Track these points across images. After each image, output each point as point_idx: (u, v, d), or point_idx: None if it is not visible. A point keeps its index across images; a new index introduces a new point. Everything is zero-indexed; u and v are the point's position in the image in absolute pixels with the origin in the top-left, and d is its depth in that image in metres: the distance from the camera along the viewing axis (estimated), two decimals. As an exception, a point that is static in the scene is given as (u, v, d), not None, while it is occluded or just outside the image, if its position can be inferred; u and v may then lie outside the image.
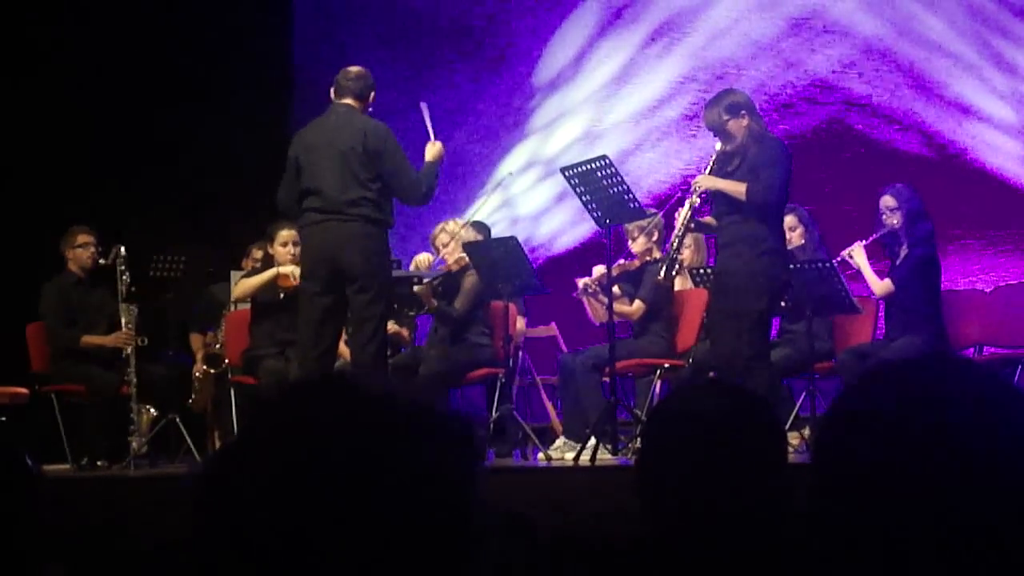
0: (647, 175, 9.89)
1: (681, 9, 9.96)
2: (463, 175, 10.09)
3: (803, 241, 7.63)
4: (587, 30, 10.18)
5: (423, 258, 8.06)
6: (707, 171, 6.49)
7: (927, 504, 1.18)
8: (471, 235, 8.06)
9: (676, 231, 6.71)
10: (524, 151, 10.26)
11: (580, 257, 9.48)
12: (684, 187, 6.92)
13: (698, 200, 6.49)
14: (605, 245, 7.04)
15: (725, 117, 6.39)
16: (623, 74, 10.07)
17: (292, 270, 7.50)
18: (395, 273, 7.44)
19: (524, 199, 10.23)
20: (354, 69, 6.74)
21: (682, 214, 6.61)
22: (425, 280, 7.77)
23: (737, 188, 6.31)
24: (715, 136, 6.52)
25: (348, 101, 6.64)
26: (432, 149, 6.76)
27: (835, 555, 1.20)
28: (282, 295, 7.72)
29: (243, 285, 7.90)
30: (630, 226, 7.67)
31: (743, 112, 6.40)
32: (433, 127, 6.87)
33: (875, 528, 1.19)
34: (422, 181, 6.63)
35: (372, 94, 6.69)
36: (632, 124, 10.01)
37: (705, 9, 9.90)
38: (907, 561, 1.18)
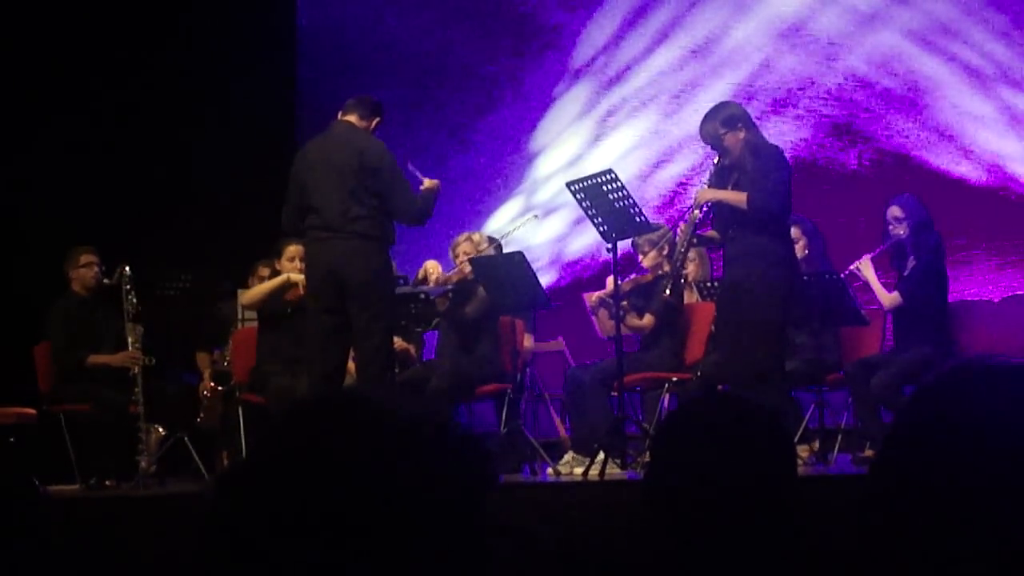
0: (657, 195, 9.88)
1: (697, 34, 9.97)
2: (470, 191, 10.09)
3: (807, 252, 7.60)
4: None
5: (432, 265, 8.05)
6: (706, 184, 6.49)
7: (998, 514, 1.16)
8: (488, 251, 8.04)
9: (679, 247, 6.71)
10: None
11: (602, 274, 9.43)
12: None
13: (699, 214, 6.48)
14: (613, 258, 7.03)
15: (722, 131, 6.39)
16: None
17: (302, 278, 7.48)
18: (400, 289, 7.43)
19: (534, 232, 10.17)
20: (366, 96, 6.82)
21: (684, 229, 6.60)
22: (432, 296, 7.76)
23: (739, 197, 6.30)
24: (712, 149, 6.52)
25: (350, 119, 6.67)
26: (429, 182, 6.76)
27: (890, 567, 1.19)
28: (289, 309, 7.71)
29: (253, 292, 7.89)
30: (640, 241, 7.65)
31: (739, 125, 6.38)
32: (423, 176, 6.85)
33: (942, 541, 1.17)
34: (419, 201, 6.64)
35: (377, 120, 6.71)
36: (643, 146, 10.01)
37: (723, 37, 9.89)
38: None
